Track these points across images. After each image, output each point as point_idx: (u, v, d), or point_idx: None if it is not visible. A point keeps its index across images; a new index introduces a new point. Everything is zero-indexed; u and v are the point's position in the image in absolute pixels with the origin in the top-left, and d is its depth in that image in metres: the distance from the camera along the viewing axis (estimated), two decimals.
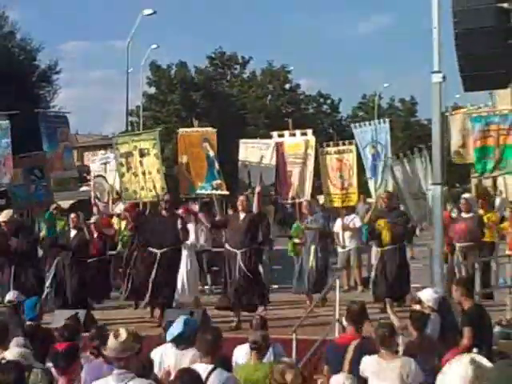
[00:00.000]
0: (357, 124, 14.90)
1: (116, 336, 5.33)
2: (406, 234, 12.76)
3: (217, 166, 14.49)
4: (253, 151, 15.33)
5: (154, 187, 13.72)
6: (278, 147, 14.90)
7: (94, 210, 15.62)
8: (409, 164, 13.39)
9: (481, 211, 13.57)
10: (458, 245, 12.62)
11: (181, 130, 15.59)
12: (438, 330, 7.82)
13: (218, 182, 14.41)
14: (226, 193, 14.62)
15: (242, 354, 7.25)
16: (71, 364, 6.07)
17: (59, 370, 6.04)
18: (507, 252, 13.36)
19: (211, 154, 14.48)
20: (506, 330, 9.23)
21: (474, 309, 7.82)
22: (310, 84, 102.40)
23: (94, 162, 17.51)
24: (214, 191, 14.35)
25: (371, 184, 14.36)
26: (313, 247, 12.67)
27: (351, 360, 6.73)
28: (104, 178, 16.39)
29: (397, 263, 11.88)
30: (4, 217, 12.49)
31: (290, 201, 14.82)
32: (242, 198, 11.73)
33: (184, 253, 12.60)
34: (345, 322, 7.35)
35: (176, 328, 6.67)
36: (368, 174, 14.42)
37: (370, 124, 14.45)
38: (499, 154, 11.99)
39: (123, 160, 14.28)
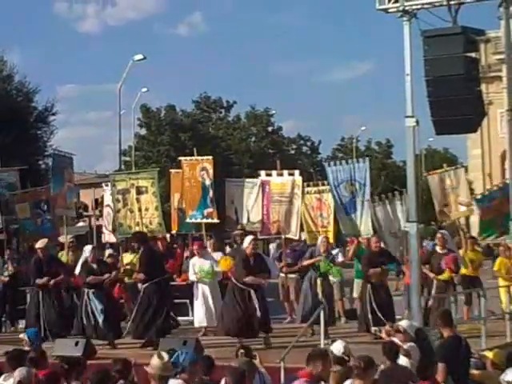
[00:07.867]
0: (331, 163, 15.32)
1: (160, 357, 6.30)
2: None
3: (211, 193, 15.09)
4: (238, 189, 15.96)
5: (151, 223, 14.37)
6: (264, 185, 15.51)
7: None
8: (390, 205, 14.09)
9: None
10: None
11: (182, 159, 16.21)
12: (418, 359, 8.24)
13: (210, 210, 15.06)
14: (216, 221, 15.19)
15: None
16: None
17: None
18: None
19: (207, 182, 15.14)
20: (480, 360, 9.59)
21: (450, 340, 8.23)
22: (291, 125, 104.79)
23: (106, 191, 17.16)
24: (204, 220, 15.05)
25: (353, 220, 14.65)
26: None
27: None
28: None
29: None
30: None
31: (274, 236, 15.35)
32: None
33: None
34: None
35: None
36: (347, 210, 14.72)
37: (347, 163, 14.90)
38: (502, 221, 13.08)
39: (120, 196, 14.84)
